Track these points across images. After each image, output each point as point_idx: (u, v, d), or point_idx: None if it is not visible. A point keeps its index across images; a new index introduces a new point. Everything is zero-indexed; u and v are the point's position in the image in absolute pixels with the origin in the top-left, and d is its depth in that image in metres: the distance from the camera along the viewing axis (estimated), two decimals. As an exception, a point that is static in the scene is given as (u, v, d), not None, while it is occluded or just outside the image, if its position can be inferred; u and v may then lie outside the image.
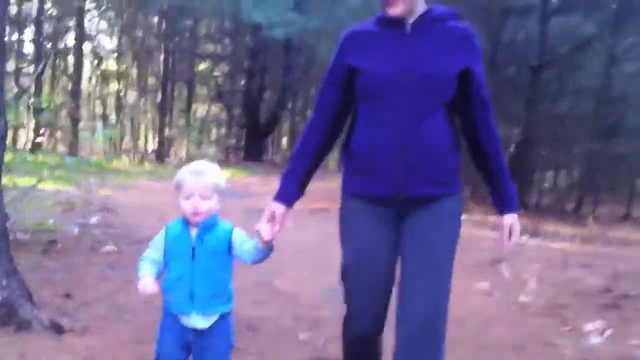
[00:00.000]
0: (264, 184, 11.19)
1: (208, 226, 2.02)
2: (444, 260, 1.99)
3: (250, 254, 2.02)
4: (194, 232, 2.02)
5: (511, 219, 2.05)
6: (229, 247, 2.05)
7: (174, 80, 24.21)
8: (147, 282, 1.95)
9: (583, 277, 5.00)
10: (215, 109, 28.29)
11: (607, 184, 12.40)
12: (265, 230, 1.96)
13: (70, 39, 23.91)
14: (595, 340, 3.40)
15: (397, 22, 2.03)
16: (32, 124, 19.94)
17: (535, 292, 4.38)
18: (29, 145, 18.53)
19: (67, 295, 3.49)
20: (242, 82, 24.35)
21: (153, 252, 2.05)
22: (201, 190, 2.00)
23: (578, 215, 10.78)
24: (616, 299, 4.29)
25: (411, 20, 2.02)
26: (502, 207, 2.06)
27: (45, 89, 23.47)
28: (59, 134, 24.36)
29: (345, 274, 2.11)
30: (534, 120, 10.29)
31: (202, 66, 26.12)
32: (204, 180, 2.02)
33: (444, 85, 1.97)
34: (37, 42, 20.92)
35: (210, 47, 25.38)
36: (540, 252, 6.21)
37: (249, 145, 23.25)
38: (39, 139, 18.16)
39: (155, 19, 23.78)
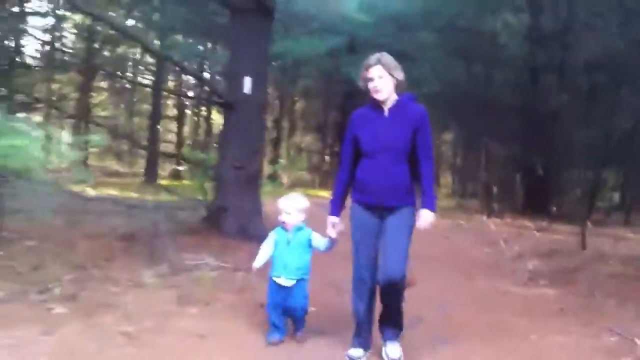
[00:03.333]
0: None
1: (299, 228, 4.02)
2: (402, 238, 3.70)
3: (323, 245, 3.98)
4: (290, 231, 4.02)
5: (424, 213, 3.69)
6: (309, 241, 4.02)
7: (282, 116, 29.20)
8: (259, 261, 4.07)
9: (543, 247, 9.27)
10: (308, 138, 33.18)
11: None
12: (331, 231, 3.89)
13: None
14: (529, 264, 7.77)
15: (380, 108, 3.74)
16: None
17: (510, 251, 8.81)
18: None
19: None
20: (336, 116, 29.06)
21: (267, 244, 4.10)
22: (289, 210, 4.01)
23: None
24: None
25: (388, 105, 3.74)
26: (423, 206, 3.70)
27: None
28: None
29: (355, 244, 3.83)
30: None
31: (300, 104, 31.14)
32: (293, 205, 4.02)
33: (404, 146, 3.66)
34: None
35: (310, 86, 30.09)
36: (533, 238, 10.51)
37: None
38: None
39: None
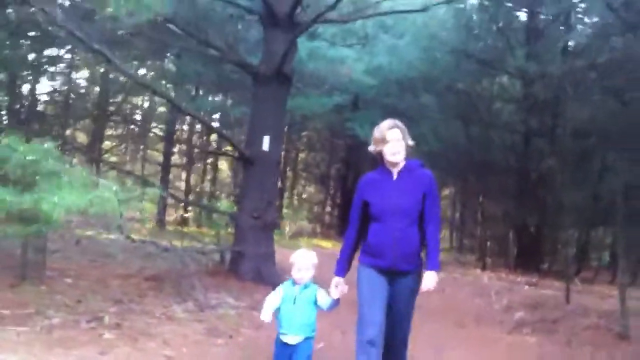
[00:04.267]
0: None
1: (305, 286, 3.94)
2: (411, 303, 3.88)
3: (326, 305, 3.92)
4: (297, 287, 3.95)
5: (429, 274, 3.73)
6: (315, 299, 3.93)
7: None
8: (266, 315, 3.93)
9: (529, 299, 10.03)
10: (311, 189, 34.10)
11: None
12: (334, 292, 3.90)
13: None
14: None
15: (389, 172, 3.82)
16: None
17: (500, 302, 9.57)
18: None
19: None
20: (339, 168, 30.04)
21: (274, 296, 3.99)
22: (305, 266, 3.93)
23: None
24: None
25: (397, 170, 3.82)
26: (428, 268, 3.76)
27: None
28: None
29: (363, 304, 3.79)
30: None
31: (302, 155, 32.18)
32: (308, 262, 3.94)
33: (414, 210, 3.75)
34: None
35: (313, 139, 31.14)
36: (522, 292, 11.27)
37: (343, 222, 28.71)
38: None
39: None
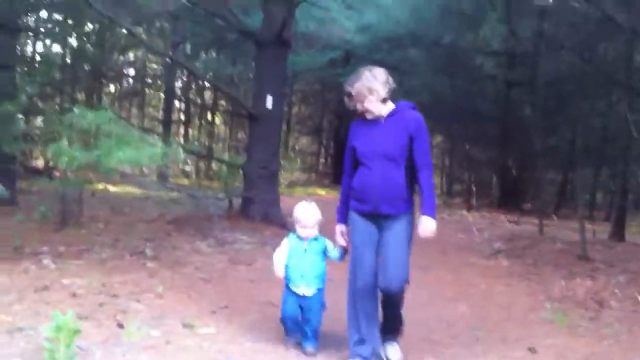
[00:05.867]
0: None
1: (315, 238, 3.97)
2: (401, 247, 3.72)
3: (336, 256, 3.96)
4: (305, 241, 3.95)
5: (425, 221, 3.65)
6: (324, 250, 3.97)
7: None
8: (280, 270, 3.98)
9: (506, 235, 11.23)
10: (304, 141, 35.13)
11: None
12: (340, 240, 3.92)
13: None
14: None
15: (377, 117, 3.73)
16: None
17: (481, 236, 10.77)
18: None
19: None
20: (331, 121, 31.05)
21: (281, 252, 4.00)
22: (310, 224, 3.93)
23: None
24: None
25: (384, 115, 3.73)
26: (423, 213, 3.66)
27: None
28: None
29: (354, 251, 3.79)
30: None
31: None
32: (312, 219, 3.93)
33: (398, 153, 3.64)
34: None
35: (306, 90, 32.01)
36: (503, 227, 12.49)
37: (337, 171, 29.83)
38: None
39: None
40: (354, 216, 3.83)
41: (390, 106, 3.80)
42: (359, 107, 3.75)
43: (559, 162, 16.04)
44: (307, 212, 3.96)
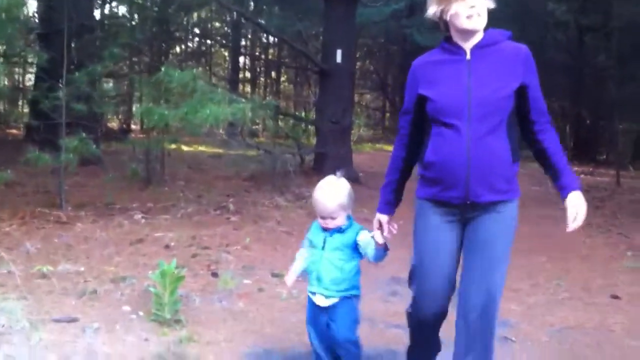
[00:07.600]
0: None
1: (340, 229, 2.68)
2: (503, 256, 2.39)
3: (370, 253, 2.64)
4: (325, 234, 2.70)
5: (574, 198, 2.32)
6: (355, 245, 2.67)
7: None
8: (289, 278, 2.81)
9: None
10: (368, 97, 35.02)
11: None
12: (378, 236, 2.58)
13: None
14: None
15: (459, 50, 2.36)
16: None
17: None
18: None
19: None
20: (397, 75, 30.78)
21: (300, 256, 2.83)
22: (327, 212, 2.64)
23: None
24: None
25: (471, 46, 2.34)
26: (563, 192, 2.37)
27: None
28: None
29: (419, 263, 2.50)
30: None
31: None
32: (330, 204, 2.62)
33: (500, 105, 2.28)
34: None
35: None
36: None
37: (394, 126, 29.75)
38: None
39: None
40: (424, 207, 2.51)
41: (481, 33, 2.41)
42: (464, 9, 2.33)
43: (635, 112, 15.47)
44: (323, 196, 2.67)
